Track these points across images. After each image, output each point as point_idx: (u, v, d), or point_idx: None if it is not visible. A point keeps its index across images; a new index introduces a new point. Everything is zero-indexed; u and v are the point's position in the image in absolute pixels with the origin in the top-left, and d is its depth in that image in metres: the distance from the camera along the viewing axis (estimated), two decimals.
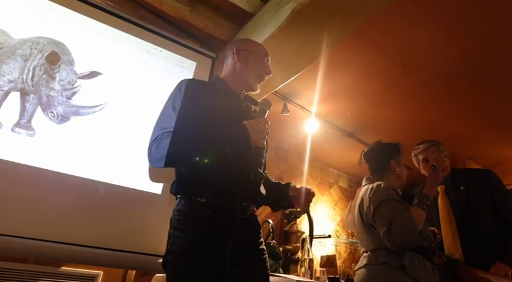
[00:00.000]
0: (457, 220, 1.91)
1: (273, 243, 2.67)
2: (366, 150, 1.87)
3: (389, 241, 1.45)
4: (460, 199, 1.94)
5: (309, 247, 2.79)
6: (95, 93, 1.74)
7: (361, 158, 1.88)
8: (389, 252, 1.49)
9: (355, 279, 1.64)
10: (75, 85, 1.70)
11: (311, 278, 2.56)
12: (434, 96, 2.71)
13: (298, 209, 1.37)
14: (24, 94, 1.59)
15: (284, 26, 1.79)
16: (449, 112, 2.90)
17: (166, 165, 1.14)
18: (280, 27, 1.81)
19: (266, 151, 1.38)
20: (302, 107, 3.01)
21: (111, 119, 1.76)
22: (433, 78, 2.48)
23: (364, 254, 1.62)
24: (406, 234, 1.44)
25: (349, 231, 3.92)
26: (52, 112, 1.62)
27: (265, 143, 1.22)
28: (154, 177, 1.73)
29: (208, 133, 1.13)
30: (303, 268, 2.67)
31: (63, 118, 1.64)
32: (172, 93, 1.29)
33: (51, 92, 1.63)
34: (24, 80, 1.60)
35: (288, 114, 2.92)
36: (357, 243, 2.26)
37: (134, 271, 2.19)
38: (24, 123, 1.56)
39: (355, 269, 1.67)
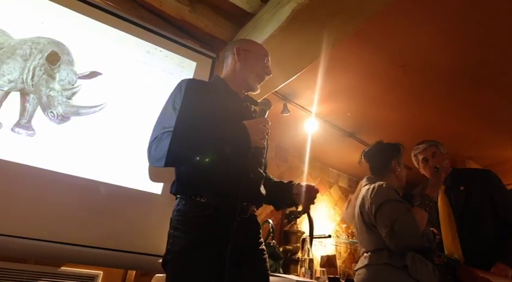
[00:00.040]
0: (457, 220, 1.91)
1: (273, 243, 2.67)
2: (366, 150, 1.86)
3: (392, 242, 1.44)
4: (460, 199, 1.94)
5: (309, 247, 2.79)
6: (95, 93, 1.74)
7: (361, 158, 1.87)
8: (391, 253, 1.48)
9: (355, 280, 1.63)
10: (75, 85, 1.69)
11: (311, 278, 2.56)
12: (434, 96, 2.70)
13: (299, 209, 1.37)
14: (24, 94, 1.59)
15: (284, 26, 1.79)
16: (449, 112, 2.90)
17: (166, 165, 1.14)
18: (280, 27, 1.81)
19: (266, 151, 1.38)
20: (302, 107, 3.01)
21: (111, 119, 1.76)
22: (433, 78, 2.48)
23: (365, 254, 1.61)
24: (408, 235, 1.43)
25: (349, 231, 3.92)
26: (52, 112, 1.62)
27: (265, 143, 1.22)
28: (154, 177, 1.73)
29: (208, 133, 1.13)
30: (303, 268, 2.67)
31: (63, 118, 1.64)
32: (172, 93, 1.28)
33: (51, 92, 1.63)
34: (24, 80, 1.60)
35: (288, 114, 2.92)
36: (357, 243, 2.26)
37: (134, 271, 2.19)
38: (24, 123, 1.56)
39: (355, 269, 1.66)
